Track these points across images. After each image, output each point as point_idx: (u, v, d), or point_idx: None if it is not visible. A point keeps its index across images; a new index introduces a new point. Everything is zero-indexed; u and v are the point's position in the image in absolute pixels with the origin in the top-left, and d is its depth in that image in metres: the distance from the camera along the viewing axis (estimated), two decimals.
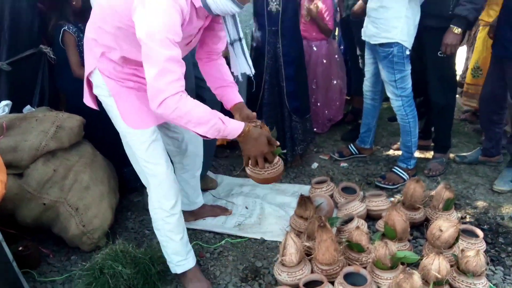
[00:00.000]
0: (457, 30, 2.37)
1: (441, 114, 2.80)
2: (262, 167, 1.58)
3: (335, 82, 3.48)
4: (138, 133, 1.69)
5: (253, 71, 1.81)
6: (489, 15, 3.03)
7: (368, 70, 2.79)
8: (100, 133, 2.40)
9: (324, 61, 3.39)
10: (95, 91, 1.73)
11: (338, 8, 3.42)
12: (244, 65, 1.79)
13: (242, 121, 1.58)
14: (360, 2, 2.81)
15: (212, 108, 1.48)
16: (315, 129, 3.47)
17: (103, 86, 1.67)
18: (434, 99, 2.75)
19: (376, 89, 2.82)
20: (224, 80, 1.81)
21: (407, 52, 2.47)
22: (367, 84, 2.85)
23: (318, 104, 3.48)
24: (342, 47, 3.75)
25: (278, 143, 1.62)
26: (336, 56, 3.45)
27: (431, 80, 2.69)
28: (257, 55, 2.75)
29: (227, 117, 1.50)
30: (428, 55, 2.61)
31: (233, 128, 1.50)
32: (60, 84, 2.58)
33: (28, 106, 2.31)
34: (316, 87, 3.44)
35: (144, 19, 1.36)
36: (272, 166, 1.61)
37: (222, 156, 3.17)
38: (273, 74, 2.72)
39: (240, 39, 1.73)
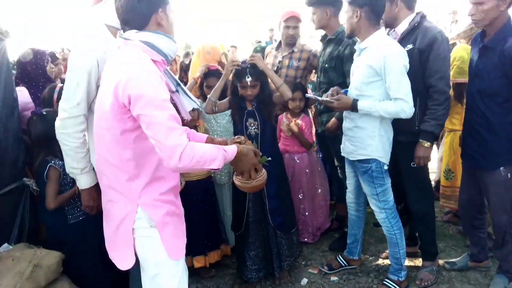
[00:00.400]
0: (426, 144, 2.52)
1: (422, 221, 2.83)
2: (255, 177, 1.81)
3: (319, 191, 3.54)
4: (173, 264, 1.69)
5: (198, 103, 2.02)
6: (452, 123, 3.29)
7: (350, 183, 2.86)
8: (81, 265, 2.34)
9: (307, 171, 3.48)
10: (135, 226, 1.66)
11: (313, 124, 3.61)
12: (190, 104, 1.96)
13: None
14: (333, 119, 2.98)
15: None
16: (305, 239, 3.46)
17: (142, 218, 1.65)
18: (413, 207, 2.81)
19: (359, 200, 2.87)
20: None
21: (385, 167, 2.57)
22: (350, 196, 2.91)
23: (306, 213, 3.49)
24: (320, 155, 3.89)
25: (260, 153, 1.86)
26: (319, 166, 3.57)
27: (408, 190, 2.77)
28: None
29: (222, 146, 1.70)
30: (402, 167, 2.72)
31: (232, 152, 1.68)
32: (41, 216, 2.55)
33: (6, 244, 2.23)
34: (303, 197, 3.48)
35: (136, 96, 1.47)
36: (258, 174, 1.85)
37: (207, 277, 3.05)
38: (256, 192, 2.77)
39: (179, 84, 1.91)
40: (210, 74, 3.12)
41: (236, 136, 2.00)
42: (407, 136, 2.59)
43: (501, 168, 2.35)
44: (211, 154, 1.57)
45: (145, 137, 1.54)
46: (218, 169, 1.61)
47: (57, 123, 2.02)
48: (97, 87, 1.94)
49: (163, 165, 1.56)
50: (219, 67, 3.27)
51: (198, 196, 2.93)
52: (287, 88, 2.75)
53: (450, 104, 2.60)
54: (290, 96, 2.78)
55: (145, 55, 1.59)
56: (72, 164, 2.06)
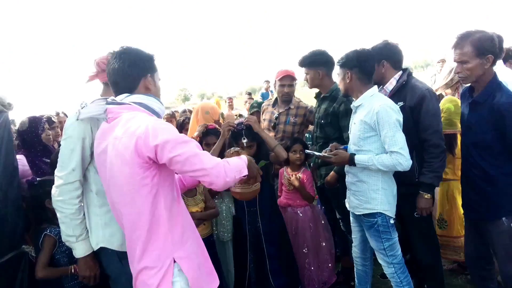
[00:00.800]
0: (427, 195, 2.58)
1: (430, 272, 2.79)
2: (260, 180, 2.07)
3: (324, 244, 3.48)
4: None
5: None
6: (444, 172, 3.29)
7: (356, 237, 2.83)
8: None
9: (311, 224, 3.44)
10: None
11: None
12: None
13: None
14: (332, 173, 3.01)
15: None
16: None
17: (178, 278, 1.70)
18: (419, 258, 2.78)
19: (365, 255, 2.83)
20: None
21: (392, 221, 2.56)
22: (356, 251, 2.86)
23: (312, 268, 3.41)
24: (323, 207, 3.86)
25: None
26: (322, 219, 3.53)
27: (413, 241, 2.76)
28: (238, 236, 2.81)
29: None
30: (406, 219, 2.71)
31: (244, 159, 1.85)
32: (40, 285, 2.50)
33: None
34: (308, 251, 3.42)
35: (162, 143, 1.55)
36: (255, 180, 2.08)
37: None
38: (257, 252, 2.74)
39: None
40: (208, 133, 3.21)
41: (232, 148, 2.20)
42: (408, 188, 2.61)
43: (503, 218, 2.33)
44: (239, 163, 1.76)
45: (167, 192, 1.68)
46: (245, 177, 1.78)
47: (53, 190, 2.02)
48: (91, 153, 2.00)
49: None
50: (217, 126, 3.34)
51: None
52: (282, 149, 2.82)
53: (446, 156, 2.66)
54: (285, 157, 2.86)
55: (145, 112, 1.70)
56: (68, 231, 2.03)
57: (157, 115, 1.75)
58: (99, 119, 2.01)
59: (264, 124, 3.80)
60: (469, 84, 2.50)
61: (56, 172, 2.03)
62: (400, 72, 2.78)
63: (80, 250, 2.06)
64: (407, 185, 2.60)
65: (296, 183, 3.32)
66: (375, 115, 2.40)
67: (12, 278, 2.43)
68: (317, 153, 2.65)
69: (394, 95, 2.70)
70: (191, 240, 1.79)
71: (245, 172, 1.74)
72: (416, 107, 2.59)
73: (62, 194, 1.99)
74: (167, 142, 1.55)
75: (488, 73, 2.32)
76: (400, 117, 2.44)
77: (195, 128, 3.54)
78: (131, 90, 1.74)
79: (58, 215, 2.04)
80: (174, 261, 1.68)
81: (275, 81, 3.64)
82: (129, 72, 1.72)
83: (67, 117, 2.64)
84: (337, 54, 2.80)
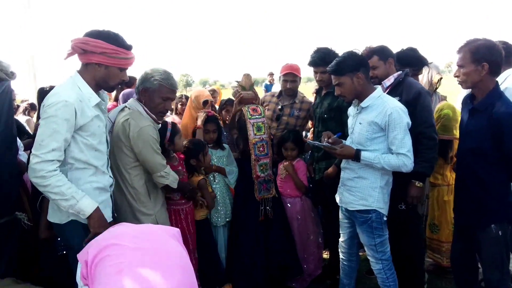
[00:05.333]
0: (419, 183, 2.71)
1: (409, 265, 2.89)
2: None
3: (311, 237, 3.52)
4: None
5: None
6: (435, 177, 3.40)
7: (344, 233, 2.86)
8: None
9: (299, 216, 3.48)
10: None
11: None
12: None
13: None
14: (333, 166, 3.07)
15: None
16: (294, 285, 3.41)
17: None
18: (401, 250, 2.83)
19: (352, 251, 2.87)
20: None
21: (385, 218, 2.60)
22: (343, 246, 2.90)
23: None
24: (318, 205, 3.90)
25: None
26: (312, 213, 3.57)
27: (396, 233, 2.78)
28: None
29: None
30: (390, 210, 2.74)
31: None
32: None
33: None
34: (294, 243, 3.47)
35: None
36: None
37: None
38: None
39: None
40: (208, 120, 3.34)
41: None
42: (396, 180, 2.66)
43: (492, 225, 2.36)
44: None
45: None
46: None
47: (29, 171, 1.94)
48: (72, 135, 1.99)
49: None
50: (215, 113, 3.44)
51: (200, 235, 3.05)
52: None
53: (437, 149, 2.78)
54: None
55: None
56: (64, 202, 1.95)
57: None
58: (82, 101, 2.01)
59: (267, 113, 3.80)
60: (469, 91, 2.53)
61: (33, 150, 1.96)
62: (400, 72, 2.90)
63: (87, 207, 1.99)
64: (396, 177, 2.65)
65: (290, 168, 3.38)
66: (387, 117, 2.45)
67: (3, 243, 2.47)
68: (323, 144, 2.64)
69: (391, 90, 2.81)
70: None
71: None
72: (412, 102, 2.71)
73: (39, 171, 1.91)
74: None
75: (489, 81, 2.34)
76: (409, 120, 2.51)
77: (188, 114, 3.71)
78: None
79: (44, 192, 1.97)
80: None
81: (280, 75, 3.69)
82: None
83: None
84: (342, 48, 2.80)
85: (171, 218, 2.81)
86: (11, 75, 2.40)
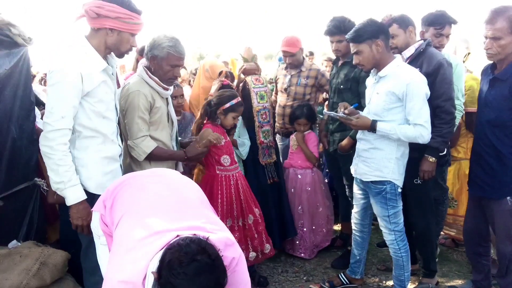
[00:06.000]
0: (432, 159, 2.63)
1: (422, 237, 2.89)
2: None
3: (321, 209, 3.56)
4: None
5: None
6: (457, 151, 3.34)
7: (357, 204, 2.87)
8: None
9: (309, 188, 3.51)
10: None
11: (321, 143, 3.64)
12: None
13: None
14: (348, 138, 3.04)
15: None
16: (302, 254, 3.49)
17: None
18: (413, 222, 2.86)
19: (364, 222, 2.88)
20: None
21: (399, 190, 2.60)
22: (356, 217, 2.91)
23: (305, 229, 3.51)
24: (326, 180, 3.91)
25: None
26: (322, 185, 3.59)
27: (409, 205, 2.81)
28: None
29: None
30: (405, 183, 2.73)
31: None
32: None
33: (14, 241, 2.30)
34: (302, 213, 3.51)
35: None
36: None
37: None
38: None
39: None
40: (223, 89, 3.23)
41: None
42: (412, 152, 2.64)
43: (508, 197, 2.34)
44: None
45: None
46: None
47: (41, 137, 1.98)
48: (79, 102, 1.98)
49: None
50: (230, 83, 3.38)
51: None
52: None
53: (455, 123, 2.72)
54: None
55: None
56: (56, 178, 1.97)
57: None
58: (88, 66, 1.99)
59: (278, 86, 3.82)
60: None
61: (44, 118, 1.98)
62: (421, 41, 2.80)
63: (70, 197, 2.00)
64: (411, 150, 2.63)
65: (301, 138, 3.42)
66: (405, 86, 2.40)
67: (23, 207, 2.54)
68: (339, 114, 2.62)
69: (411, 62, 2.71)
70: None
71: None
72: (432, 73, 2.61)
73: (49, 140, 1.94)
74: None
75: None
76: (428, 90, 2.46)
77: (199, 84, 3.65)
78: None
79: (46, 162, 2.00)
80: None
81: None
82: None
83: None
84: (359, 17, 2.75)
85: (219, 185, 2.89)
86: (29, 41, 2.40)
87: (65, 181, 1.96)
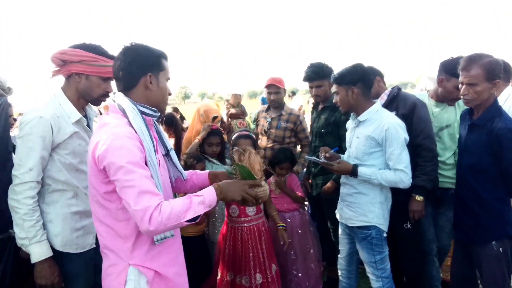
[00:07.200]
0: (419, 197, 2.66)
1: (412, 283, 2.87)
2: (256, 196, 1.71)
3: (312, 251, 3.49)
4: None
5: (185, 175, 1.97)
6: None
7: (343, 249, 2.84)
8: None
9: (299, 231, 3.45)
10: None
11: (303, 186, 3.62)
12: (175, 172, 1.93)
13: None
14: (331, 182, 3.06)
15: None
16: None
17: (132, 279, 1.59)
18: (404, 267, 2.86)
19: (351, 268, 2.84)
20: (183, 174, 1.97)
21: (384, 235, 2.58)
22: (342, 263, 2.87)
23: (300, 274, 3.42)
24: (312, 216, 3.86)
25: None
26: (310, 226, 3.54)
27: (400, 251, 2.82)
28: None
29: (197, 192, 1.62)
30: (395, 228, 2.73)
31: (209, 193, 1.62)
32: None
33: None
34: (296, 257, 3.43)
35: (108, 164, 1.49)
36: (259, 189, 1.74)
37: None
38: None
39: (168, 151, 1.87)
40: (212, 133, 3.35)
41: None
42: (398, 196, 2.65)
43: (493, 242, 2.34)
44: (182, 207, 1.52)
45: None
46: (198, 216, 1.56)
47: (9, 190, 1.96)
48: (49, 153, 1.97)
49: None
50: (220, 127, 3.47)
51: (192, 252, 2.94)
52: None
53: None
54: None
55: (123, 120, 1.62)
56: (21, 234, 1.92)
57: (131, 123, 1.62)
58: (59, 117, 1.98)
59: (259, 128, 3.88)
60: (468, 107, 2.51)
61: (13, 170, 1.96)
62: (390, 89, 2.94)
63: (34, 254, 1.93)
64: (398, 193, 2.64)
65: (283, 184, 3.39)
66: (384, 132, 2.44)
67: None
68: (320, 160, 2.63)
69: (387, 106, 2.80)
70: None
71: (191, 215, 1.53)
72: (408, 114, 2.72)
73: (17, 194, 1.92)
74: (112, 164, 1.50)
75: (491, 96, 2.33)
76: (407, 135, 2.50)
77: (192, 127, 3.69)
78: (129, 88, 1.68)
79: (12, 216, 1.96)
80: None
81: (264, 89, 3.80)
82: (128, 69, 1.66)
83: None
84: (337, 62, 2.80)
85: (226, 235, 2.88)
86: (8, 91, 2.37)
87: (30, 237, 1.91)
